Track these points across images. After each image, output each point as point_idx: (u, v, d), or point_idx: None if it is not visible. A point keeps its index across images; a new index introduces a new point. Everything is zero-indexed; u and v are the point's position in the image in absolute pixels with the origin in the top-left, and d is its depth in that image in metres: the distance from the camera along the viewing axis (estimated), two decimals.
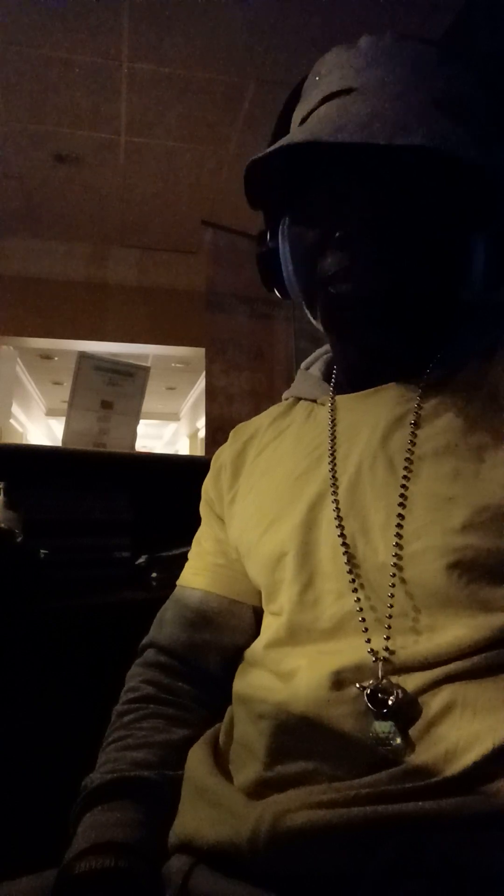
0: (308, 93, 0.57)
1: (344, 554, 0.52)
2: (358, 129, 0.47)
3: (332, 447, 0.58)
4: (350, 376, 0.63)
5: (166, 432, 9.97)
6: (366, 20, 2.26)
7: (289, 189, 0.57)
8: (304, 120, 0.55)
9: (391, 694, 0.45)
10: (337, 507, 0.54)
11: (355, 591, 0.51)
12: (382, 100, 0.50)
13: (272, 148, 0.51)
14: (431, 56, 0.53)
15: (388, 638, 0.48)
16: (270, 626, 0.58)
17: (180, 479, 0.94)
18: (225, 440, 0.75)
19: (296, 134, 0.51)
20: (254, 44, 2.50)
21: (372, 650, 0.48)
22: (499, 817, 0.39)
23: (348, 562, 0.51)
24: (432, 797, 0.40)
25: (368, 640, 0.48)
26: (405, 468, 0.52)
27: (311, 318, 0.60)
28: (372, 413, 0.57)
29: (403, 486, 0.51)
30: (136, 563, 1.25)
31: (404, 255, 0.51)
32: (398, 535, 0.49)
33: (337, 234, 0.52)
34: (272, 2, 2.30)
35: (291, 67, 2.56)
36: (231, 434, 0.74)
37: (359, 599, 0.50)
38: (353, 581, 0.51)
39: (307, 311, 0.60)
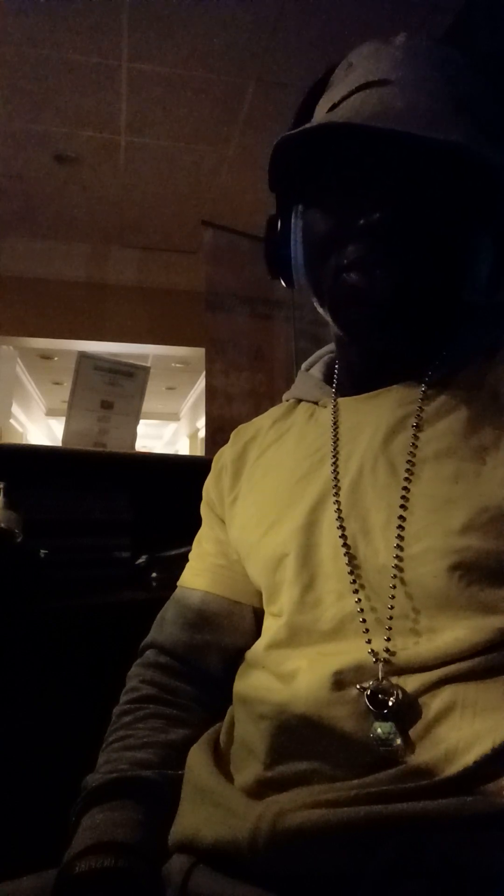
0: (338, 82, 0.57)
1: (345, 555, 0.52)
2: (397, 119, 0.48)
3: (333, 449, 0.58)
4: (352, 377, 0.63)
5: (166, 432, 9.96)
6: (366, 20, 2.26)
7: (306, 174, 0.57)
8: (334, 106, 0.54)
9: (391, 695, 0.45)
10: (338, 509, 0.54)
11: (356, 592, 0.51)
12: (418, 95, 0.50)
13: (308, 126, 0.50)
14: (461, 60, 0.54)
15: (388, 639, 0.48)
16: (271, 628, 0.58)
17: (180, 479, 0.94)
18: (225, 440, 0.74)
19: (333, 115, 0.51)
20: (254, 44, 2.50)
21: (372, 651, 0.48)
22: (499, 817, 0.39)
23: (349, 563, 0.51)
24: (432, 797, 0.40)
25: (369, 641, 0.48)
26: (406, 470, 0.51)
27: (319, 308, 0.59)
28: (374, 415, 0.57)
29: (405, 487, 0.51)
30: (136, 563, 1.25)
31: (417, 250, 0.51)
32: (399, 537, 0.49)
33: (361, 222, 0.51)
34: (272, 2, 2.30)
35: (291, 67, 2.56)
36: (232, 435, 0.74)
37: (359, 601, 0.50)
38: (354, 582, 0.51)
39: (316, 303, 0.60)
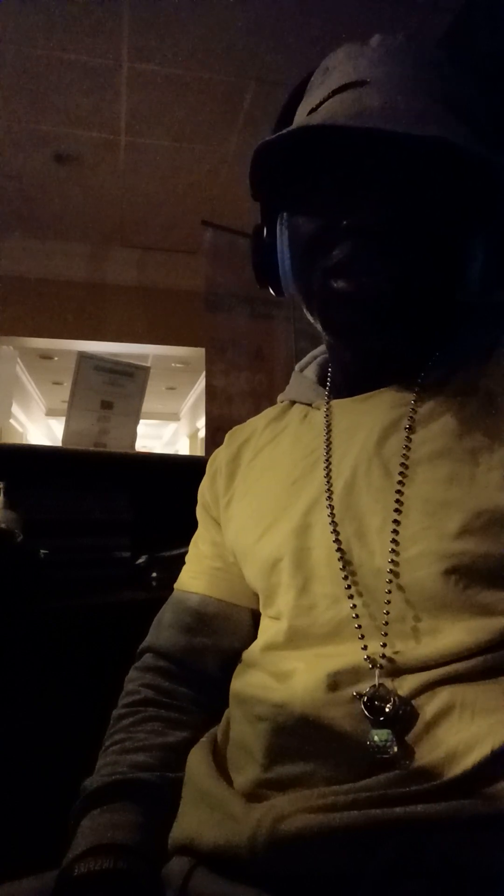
0: (316, 87, 0.56)
1: (339, 559, 0.52)
2: (374, 118, 0.47)
3: (327, 451, 0.58)
4: (346, 379, 0.62)
5: (166, 432, 9.96)
6: (366, 20, 2.26)
7: (289, 181, 0.56)
8: (312, 111, 0.53)
9: (388, 701, 0.45)
10: (332, 512, 0.53)
11: (351, 596, 0.50)
12: (396, 93, 0.50)
13: (285, 131, 0.50)
14: (441, 58, 0.53)
15: (384, 645, 0.48)
16: (269, 630, 0.58)
17: (180, 479, 0.94)
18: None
19: (312, 118, 0.51)
20: (254, 44, 2.50)
21: (368, 657, 0.48)
22: (499, 818, 0.39)
23: (343, 567, 0.51)
24: (432, 800, 0.40)
25: (365, 647, 0.48)
26: (400, 472, 0.51)
27: (310, 316, 0.59)
28: (367, 417, 0.57)
29: (399, 490, 0.50)
30: (136, 563, 1.25)
31: (411, 250, 0.51)
32: (394, 541, 0.49)
33: (344, 223, 0.50)
34: (272, 2, 2.30)
35: (291, 67, 2.54)
36: (227, 437, 0.74)
37: (354, 605, 0.50)
38: (349, 587, 0.51)
39: (305, 309, 0.59)
